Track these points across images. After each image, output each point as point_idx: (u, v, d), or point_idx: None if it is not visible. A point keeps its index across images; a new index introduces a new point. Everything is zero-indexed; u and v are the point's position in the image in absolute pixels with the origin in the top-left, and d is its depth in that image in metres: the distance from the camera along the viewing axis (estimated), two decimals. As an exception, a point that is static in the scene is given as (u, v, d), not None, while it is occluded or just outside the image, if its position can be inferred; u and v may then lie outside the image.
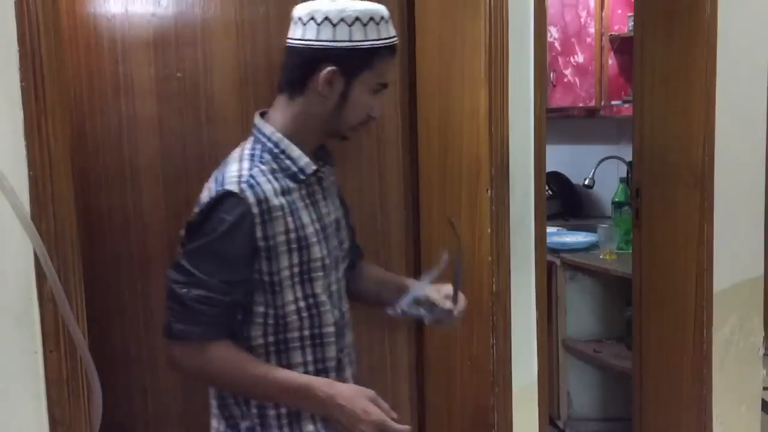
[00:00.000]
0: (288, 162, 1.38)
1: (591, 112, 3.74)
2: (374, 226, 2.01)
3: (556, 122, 3.43)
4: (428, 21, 1.92)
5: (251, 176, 1.34)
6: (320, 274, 1.41)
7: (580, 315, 3.32)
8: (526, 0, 1.80)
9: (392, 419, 1.32)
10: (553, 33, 3.67)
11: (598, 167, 3.62)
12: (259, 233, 1.33)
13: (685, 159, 2.31)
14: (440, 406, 2.02)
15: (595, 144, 3.88)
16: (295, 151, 1.38)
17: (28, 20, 1.04)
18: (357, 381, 1.51)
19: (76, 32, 1.69)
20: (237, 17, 1.79)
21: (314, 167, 1.40)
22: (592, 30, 3.55)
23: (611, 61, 3.63)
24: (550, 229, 3.20)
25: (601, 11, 3.55)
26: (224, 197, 1.31)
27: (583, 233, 3.50)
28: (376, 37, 1.36)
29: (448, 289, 1.51)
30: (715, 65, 2.18)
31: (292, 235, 1.37)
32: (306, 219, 1.39)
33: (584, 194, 3.99)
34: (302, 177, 1.39)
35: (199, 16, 1.76)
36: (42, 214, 1.06)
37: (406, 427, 1.33)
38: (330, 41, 1.34)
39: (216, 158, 1.49)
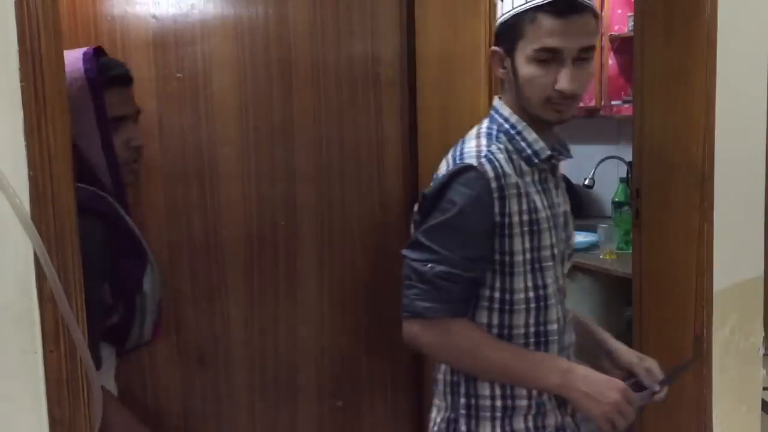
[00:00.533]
0: (523, 144, 1.37)
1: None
2: (374, 225, 2.01)
3: (556, 122, 3.43)
4: (428, 21, 1.92)
5: (490, 152, 1.33)
6: (549, 263, 1.38)
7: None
8: (526, 0, 1.80)
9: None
10: (553, 33, 3.66)
11: (598, 167, 3.61)
12: (497, 208, 1.31)
13: (685, 159, 2.31)
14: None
15: (595, 144, 3.88)
16: (532, 135, 1.38)
17: (28, 20, 1.04)
18: None
19: (76, 32, 1.69)
20: (236, 16, 1.79)
21: (549, 152, 1.38)
22: (592, 30, 3.54)
23: (611, 61, 3.63)
24: (550, 229, 3.19)
25: (601, 11, 3.54)
26: (463, 170, 1.32)
27: (583, 233, 3.50)
28: (520, 3, 1.29)
29: (652, 364, 1.45)
30: (715, 65, 2.18)
31: (525, 217, 1.34)
32: (538, 203, 1.37)
33: (584, 194, 3.99)
34: (536, 161, 1.36)
35: (198, 16, 1.76)
36: (42, 214, 1.06)
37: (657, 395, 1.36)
38: (498, 19, 1.36)
39: (215, 157, 1.48)
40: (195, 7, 1.76)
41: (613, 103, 3.63)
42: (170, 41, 1.78)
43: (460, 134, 1.85)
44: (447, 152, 1.91)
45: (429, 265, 1.31)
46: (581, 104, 3.73)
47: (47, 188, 1.07)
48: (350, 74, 1.95)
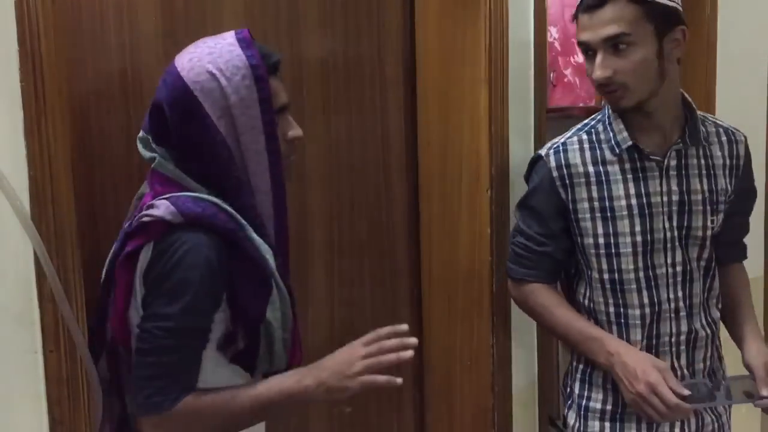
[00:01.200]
0: (610, 134, 1.46)
1: (591, 112, 3.74)
2: (381, 227, 2.01)
3: (556, 122, 3.43)
4: (428, 21, 1.92)
5: (563, 143, 1.49)
6: (628, 250, 1.44)
7: (580, 315, 3.31)
8: (526, 0, 1.80)
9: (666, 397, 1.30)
10: (553, 33, 3.67)
11: (598, 167, 3.61)
12: (563, 194, 1.47)
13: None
14: (441, 406, 2.02)
15: (595, 144, 3.87)
16: (619, 125, 1.44)
17: (28, 20, 1.05)
18: (681, 371, 1.46)
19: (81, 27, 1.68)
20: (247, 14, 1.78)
21: (629, 143, 1.42)
22: (592, 30, 3.55)
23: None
24: (550, 229, 3.19)
25: (601, 11, 3.54)
26: (535, 160, 1.53)
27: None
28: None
29: None
30: (715, 65, 2.18)
31: (596, 204, 1.45)
32: (619, 191, 1.44)
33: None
34: (617, 150, 1.44)
35: (211, 16, 1.75)
36: (42, 214, 1.06)
37: (674, 400, 1.30)
38: None
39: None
40: (207, 7, 1.75)
41: (613, 103, 3.63)
42: (183, 42, 1.76)
43: (460, 134, 1.85)
44: (448, 151, 1.91)
45: (514, 236, 1.56)
46: (581, 104, 3.73)
47: (47, 188, 1.07)
48: (358, 73, 1.95)
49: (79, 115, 1.54)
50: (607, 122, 1.47)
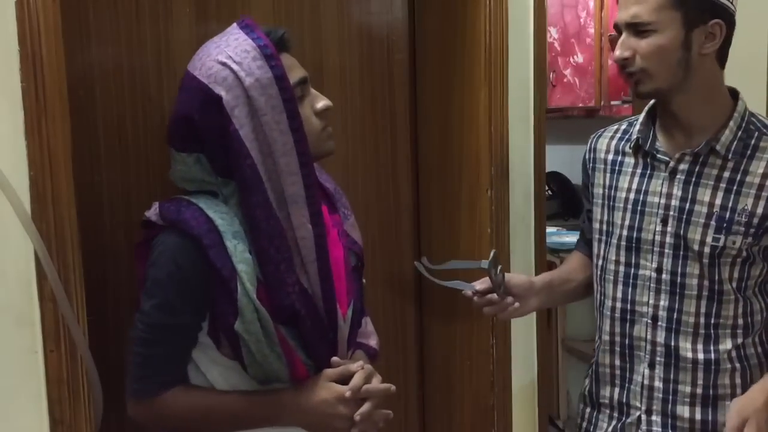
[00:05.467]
0: (632, 129, 1.47)
1: (591, 112, 3.74)
2: (390, 228, 2.01)
3: (556, 122, 3.43)
4: (429, 21, 1.92)
5: (603, 130, 1.55)
6: (614, 241, 1.45)
7: (580, 315, 3.31)
8: (526, 0, 1.80)
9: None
10: (553, 33, 3.67)
11: (598, 167, 3.60)
12: (589, 176, 1.54)
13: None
14: (441, 405, 2.02)
15: (595, 144, 3.87)
16: (640, 124, 1.45)
17: (28, 20, 1.05)
18: (658, 382, 1.40)
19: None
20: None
21: (636, 137, 1.44)
22: (591, 30, 3.55)
23: (611, 61, 3.63)
24: (550, 229, 3.20)
25: (601, 11, 3.55)
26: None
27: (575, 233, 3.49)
28: None
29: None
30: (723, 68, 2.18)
31: (606, 191, 1.48)
32: (623, 183, 1.45)
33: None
34: (630, 146, 1.46)
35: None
36: (42, 214, 1.06)
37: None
38: None
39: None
40: (238, 14, 1.74)
41: (612, 103, 3.62)
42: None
43: (460, 134, 1.85)
44: (448, 151, 1.91)
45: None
46: (581, 104, 3.73)
47: (47, 188, 1.07)
48: (371, 73, 1.96)
49: (114, 113, 1.54)
50: (640, 119, 1.46)
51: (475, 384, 1.86)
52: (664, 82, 1.32)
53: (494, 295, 1.44)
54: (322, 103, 1.26)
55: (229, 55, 1.17)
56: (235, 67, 1.15)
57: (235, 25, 1.23)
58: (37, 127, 1.06)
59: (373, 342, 1.47)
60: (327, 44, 1.87)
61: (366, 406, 1.21)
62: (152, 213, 1.22)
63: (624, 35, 1.33)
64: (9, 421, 1.07)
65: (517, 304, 1.46)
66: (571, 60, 3.66)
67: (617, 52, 1.33)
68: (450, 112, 1.86)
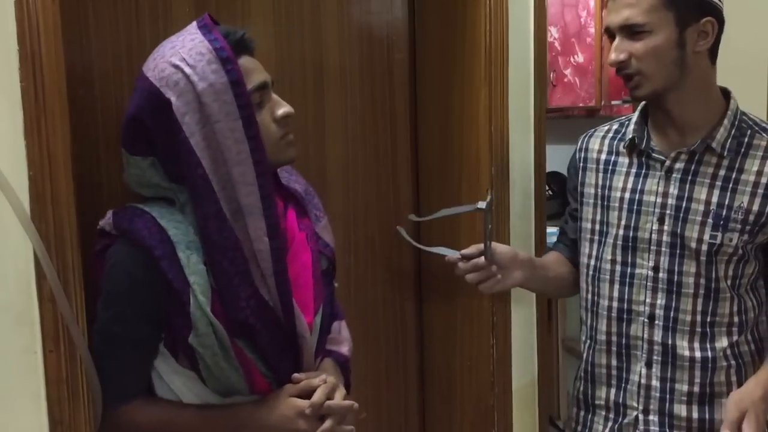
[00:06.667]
0: (626, 129, 1.49)
1: (591, 112, 3.74)
2: (390, 230, 2.01)
3: (556, 122, 3.43)
4: (429, 21, 1.92)
5: (594, 130, 1.57)
6: (610, 241, 1.45)
7: (580, 315, 3.31)
8: (526, 0, 1.80)
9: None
10: (553, 33, 3.67)
11: (599, 167, 3.60)
12: (579, 176, 1.55)
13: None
14: (441, 406, 2.02)
15: (595, 144, 3.86)
16: (633, 124, 1.46)
17: (28, 20, 1.04)
18: (655, 381, 1.41)
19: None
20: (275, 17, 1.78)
21: (630, 137, 1.44)
22: (592, 30, 3.55)
23: (611, 61, 3.62)
24: (550, 229, 3.20)
25: (601, 11, 3.55)
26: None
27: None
28: None
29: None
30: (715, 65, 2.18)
31: (598, 191, 1.49)
32: (617, 183, 1.46)
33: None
34: (624, 146, 1.47)
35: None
36: (41, 214, 1.06)
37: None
38: None
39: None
40: (238, 15, 1.74)
41: (613, 103, 3.62)
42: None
43: (460, 134, 1.85)
44: (448, 151, 1.91)
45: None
46: (581, 104, 3.73)
47: (47, 188, 1.07)
48: (371, 73, 1.95)
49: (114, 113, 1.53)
50: (631, 118, 1.48)
51: (475, 384, 1.86)
52: (661, 83, 1.33)
53: (481, 259, 1.43)
54: (282, 110, 1.19)
55: (183, 57, 1.12)
56: (188, 70, 1.10)
57: (194, 23, 1.17)
58: (37, 126, 1.06)
59: (344, 349, 1.42)
60: (327, 44, 1.87)
61: (327, 424, 1.18)
62: (106, 222, 1.19)
63: (618, 39, 1.33)
64: (8, 422, 1.07)
65: (499, 276, 1.46)
66: (572, 60, 3.66)
67: (612, 56, 1.33)
68: (450, 112, 1.86)
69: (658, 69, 1.32)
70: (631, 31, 1.31)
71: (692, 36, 1.32)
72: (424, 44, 1.94)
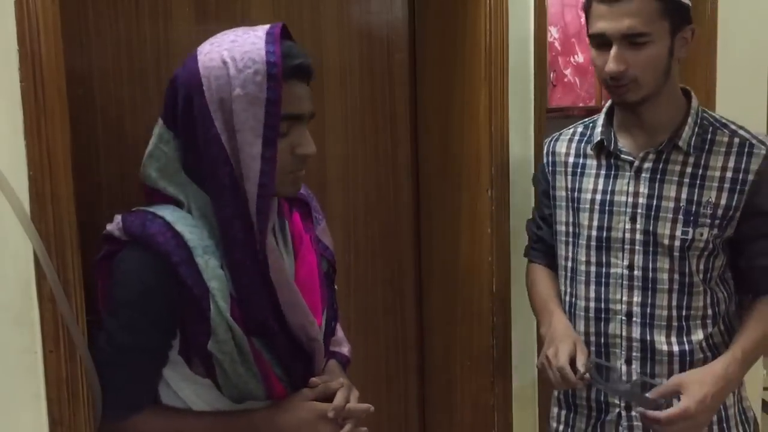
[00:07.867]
0: (591, 132, 1.51)
1: (591, 112, 3.74)
2: (390, 230, 2.01)
3: (556, 122, 3.43)
4: (429, 21, 1.92)
5: (559, 134, 1.58)
6: (583, 242, 1.46)
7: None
8: (526, 0, 1.80)
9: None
10: (553, 33, 3.67)
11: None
12: (549, 180, 1.55)
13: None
14: (441, 406, 2.02)
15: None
16: (600, 126, 1.48)
17: (28, 20, 1.04)
18: (635, 378, 1.40)
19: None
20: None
21: (598, 139, 1.46)
22: (592, 30, 3.55)
23: (611, 61, 3.62)
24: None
25: (601, 11, 3.54)
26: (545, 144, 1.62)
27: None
28: None
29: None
30: (715, 65, 2.18)
31: (569, 193, 1.50)
32: (587, 185, 1.47)
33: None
34: (591, 148, 1.48)
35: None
36: (42, 214, 1.06)
37: (562, 365, 1.32)
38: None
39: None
40: (238, 15, 1.74)
41: (613, 103, 3.63)
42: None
43: (461, 134, 1.85)
44: (448, 151, 1.90)
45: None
46: (581, 104, 3.73)
47: (47, 188, 1.07)
48: (371, 73, 1.95)
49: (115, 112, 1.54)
50: (596, 119, 1.49)
51: (475, 384, 1.86)
52: (652, 89, 1.35)
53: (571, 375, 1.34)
54: (304, 149, 1.17)
55: (234, 56, 1.09)
56: (233, 72, 1.08)
57: (266, 27, 1.14)
58: (37, 126, 1.06)
59: (345, 349, 1.42)
60: (327, 44, 1.87)
61: (348, 427, 1.18)
62: (114, 227, 1.15)
63: (617, 48, 1.31)
64: (8, 422, 1.07)
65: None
66: (572, 60, 3.66)
67: (613, 66, 1.31)
68: (450, 111, 1.86)
69: (653, 77, 1.34)
70: (634, 40, 1.30)
71: (679, 43, 1.35)
72: (424, 44, 1.94)
